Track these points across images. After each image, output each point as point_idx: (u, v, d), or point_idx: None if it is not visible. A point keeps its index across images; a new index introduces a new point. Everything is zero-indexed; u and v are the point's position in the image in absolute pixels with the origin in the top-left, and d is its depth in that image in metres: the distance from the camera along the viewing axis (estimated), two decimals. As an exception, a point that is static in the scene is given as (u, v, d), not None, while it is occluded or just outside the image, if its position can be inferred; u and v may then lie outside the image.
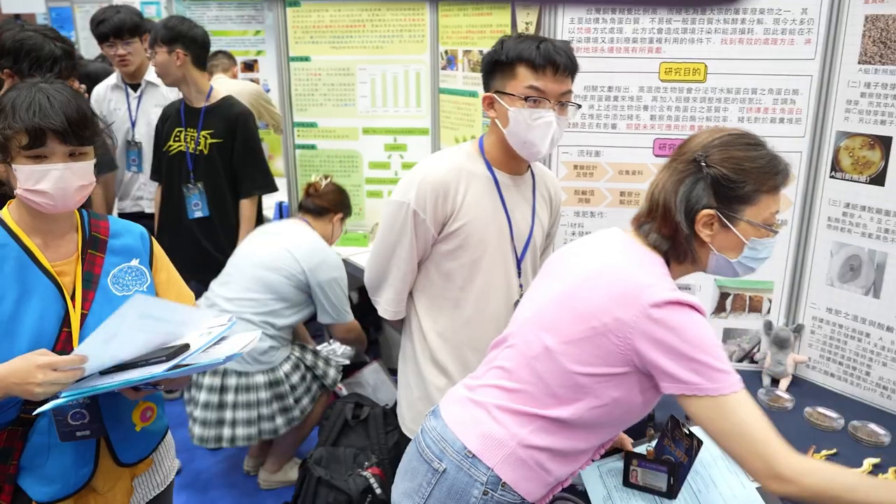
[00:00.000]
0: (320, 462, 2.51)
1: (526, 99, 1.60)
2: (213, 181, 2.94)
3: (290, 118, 3.20)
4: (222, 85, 3.40)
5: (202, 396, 2.57)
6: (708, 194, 1.27)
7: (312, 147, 3.23)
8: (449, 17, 2.79)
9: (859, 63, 1.88)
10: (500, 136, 1.68)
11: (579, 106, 1.68)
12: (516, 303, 1.71)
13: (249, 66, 4.63)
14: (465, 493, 1.33)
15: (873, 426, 1.87)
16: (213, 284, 2.68)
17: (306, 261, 2.58)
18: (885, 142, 1.86)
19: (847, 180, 1.96)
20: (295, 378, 2.66)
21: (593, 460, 1.45)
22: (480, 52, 2.65)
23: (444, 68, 2.88)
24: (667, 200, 1.30)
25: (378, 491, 2.41)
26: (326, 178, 2.86)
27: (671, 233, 1.31)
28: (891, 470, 1.68)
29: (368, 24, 3.01)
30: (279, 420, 2.63)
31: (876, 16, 1.83)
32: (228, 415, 2.58)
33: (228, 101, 2.95)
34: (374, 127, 3.16)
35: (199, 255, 2.97)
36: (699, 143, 1.30)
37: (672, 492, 1.47)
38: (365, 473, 2.46)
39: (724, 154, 1.28)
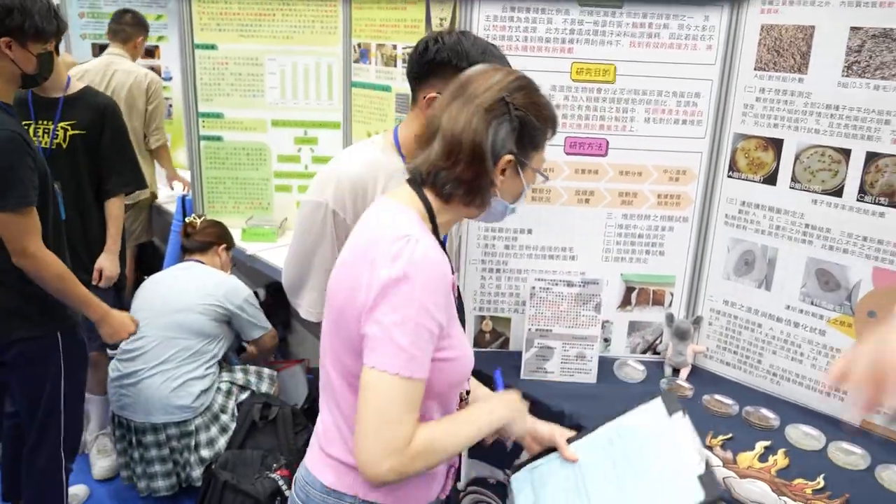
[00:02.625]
0: (226, 466, 2.43)
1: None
2: (73, 179, 2.71)
3: (194, 108, 3.08)
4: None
5: (152, 453, 2.62)
6: (510, 139, 1.22)
7: (218, 139, 3.12)
8: (362, 9, 2.76)
9: (755, 69, 2.00)
10: (419, 128, 1.67)
11: None
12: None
13: (150, 53, 4.42)
14: None
15: (764, 411, 1.99)
16: (122, 350, 2.63)
17: (218, 291, 2.68)
18: (777, 144, 1.99)
19: (743, 180, 2.07)
20: (231, 403, 2.67)
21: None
22: (394, 46, 2.64)
23: (356, 61, 2.85)
24: (476, 143, 1.19)
25: (287, 493, 2.35)
26: (200, 216, 2.95)
27: (471, 177, 1.22)
28: (780, 451, 1.80)
29: (279, 14, 2.93)
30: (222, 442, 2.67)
31: (771, 25, 1.95)
32: (180, 458, 2.65)
33: (91, 91, 2.78)
34: (284, 119, 3.08)
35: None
36: (497, 82, 1.23)
37: (515, 448, 1.41)
38: (273, 475, 2.40)
39: (527, 99, 1.23)
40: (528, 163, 1.27)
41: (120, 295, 2.95)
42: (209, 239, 2.85)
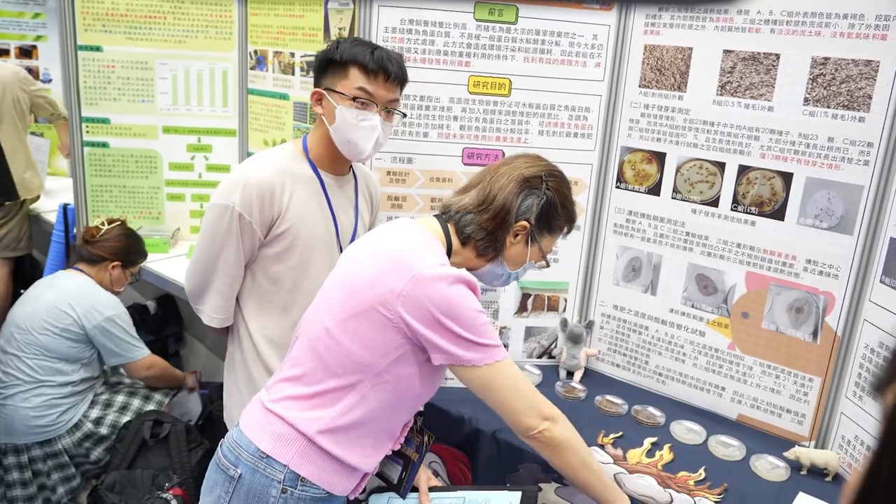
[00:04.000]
0: (113, 488, 2.30)
1: (354, 99, 1.63)
2: None
3: (77, 112, 2.92)
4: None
5: (14, 476, 2.44)
6: (533, 210, 1.42)
7: (104, 145, 2.97)
8: (259, 15, 2.71)
9: (640, 87, 2.12)
10: (326, 133, 1.69)
11: (405, 115, 1.73)
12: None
13: (27, 53, 4.16)
14: (262, 494, 1.32)
15: (651, 409, 2.10)
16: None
17: (76, 309, 2.40)
18: (660, 157, 2.11)
19: (629, 190, 2.19)
20: (108, 420, 2.48)
21: (393, 451, 1.48)
22: (291, 53, 2.61)
23: (252, 68, 2.79)
24: (507, 201, 1.40)
25: (181, 513, 2.26)
26: (112, 222, 2.65)
27: (492, 228, 1.41)
28: (666, 447, 1.90)
29: (170, 17, 2.83)
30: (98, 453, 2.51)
31: (653, 45, 2.07)
32: (48, 480, 2.46)
33: None
34: (176, 126, 2.98)
35: None
36: (542, 165, 1.46)
37: (400, 486, 1.52)
38: (165, 495, 2.29)
39: (558, 186, 1.46)
40: (538, 239, 1.45)
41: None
42: (101, 253, 2.58)
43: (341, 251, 1.75)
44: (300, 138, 1.78)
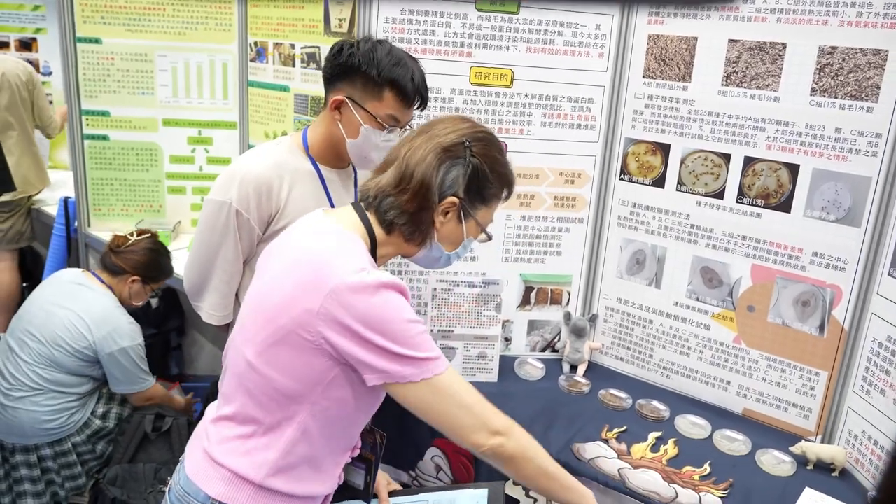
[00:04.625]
0: (115, 482, 2.30)
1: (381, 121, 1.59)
2: None
3: (77, 105, 2.90)
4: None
5: (22, 472, 2.40)
6: (460, 183, 1.24)
7: (104, 138, 2.95)
8: (259, 7, 2.69)
9: (643, 77, 2.09)
10: (331, 133, 1.65)
11: (412, 128, 1.68)
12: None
13: (27, 45, 4.14)
14: None
15: (656, 403, 2.08)
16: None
17: (94, 334, 2.33)
18: (664, 148, 2.09)
19: (633, 182, 2.16)
20: (113, 413, 2.47)
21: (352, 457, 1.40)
22: (292, 45, 2.58)
23: (253, 60, 2.77)
24: (426, 176, 1.22)
25: (184, 506, 2.26)
26: (142, 234, 2.54)
27: (414, 209, 1.24)
28: (670, 441, 1.89)
29: (169, 9, 2.81)
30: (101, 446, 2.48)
31: (657, 35, 2.04)
32: (56, 478, 2.43)
33: None
34: (176, 118, 2.96)
35: None
36: (463, 128, 1.26)
37: (368, 492, 1.46)
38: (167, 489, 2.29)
39: (485, 150, 1.27)
40: (472, 213, 1.28)
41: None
42: (122, 265, 2.47)
43: None
44: (300, 131, 1.75)
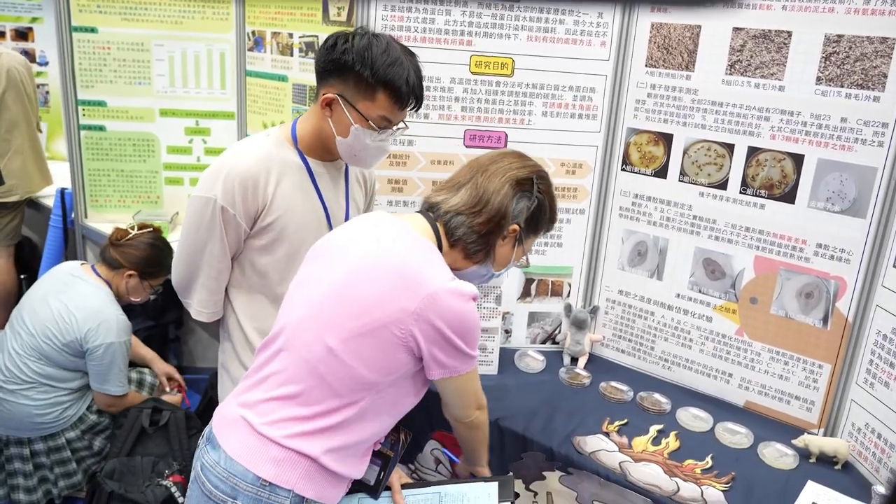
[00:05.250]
0: (112, 475, 2.28)
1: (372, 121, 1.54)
2: None
3: (73, 95, 2.87)
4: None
5: (16, 465, 2.39)
6: (524, 213, 1.40)
7: (101, 128, 2.92)
8: (256, -5, 2.65)
9: (646, 66, 2.06)
10: (321, 128, 1.61)
11: (406, 126, 1.65)
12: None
13: (23, 35, 4.10)
14: None
15: (657, 396, 2.06)
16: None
17: (82, 328, 2.28)
18: (667, 138, 2.06)
19: (635, 173, 2.14)
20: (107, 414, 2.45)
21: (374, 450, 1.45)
22: (290, 34, 2.55)
23: (250, 49, 2.74)
24: (502, 205, 1.37)
25: (180, 500, 2.24)
26: (143, 228, 2.49)
27: (485, 231, 1.38)
28: (672, 434, 1.87)
29: (166, -3, 2.78)
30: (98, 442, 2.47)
31: (660, 24, 2.02)
32: (49, 474, 2.41)
33: None
34: (173, 108, 2.93)
35: None
36: (530, 166, 1.42)
37: (377, 487, 1.46)
38: (165, 482, 2.28)
39: (547, 188, 1.44)
40: (523, 242, 1.43)
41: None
42: (120, 259, 2.42)
43: None
44: (288, 123, 1.70)
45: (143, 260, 2.46)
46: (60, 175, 3.61)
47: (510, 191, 1.38)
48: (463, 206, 1.38)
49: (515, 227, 1.39)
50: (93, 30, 2.81)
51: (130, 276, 2.45)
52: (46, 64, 4.08)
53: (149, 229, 2.51)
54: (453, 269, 1.37)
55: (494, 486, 1.47)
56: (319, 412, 1.28)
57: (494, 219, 1.37)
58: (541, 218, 1.44)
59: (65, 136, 2.99)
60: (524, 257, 1.47)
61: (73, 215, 3.09)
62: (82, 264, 2.50)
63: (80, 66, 2.84)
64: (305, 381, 1.29)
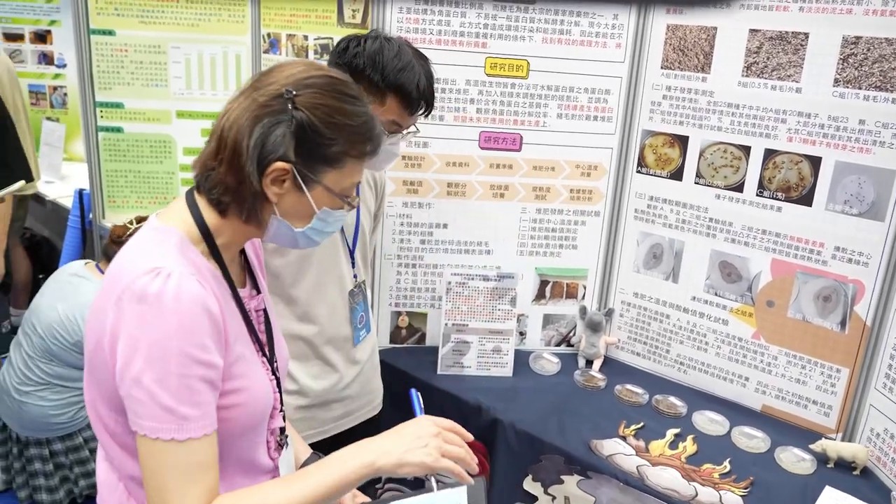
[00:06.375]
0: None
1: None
2: None
3: (91, 97, 2.90)
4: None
5: (36, 466, 2.42)
6: (288, 143, 0.98)
7: (118, 130, 2.95)
8: (272, -2, 2.67)
9: (662, 68, 2.05)
10: None
11: (417, 130, 1.63)
12: (351, 292, 1.68)
13: (42, 38, 4.15)
14: None
15: (673, 399, 2.05)
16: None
17: (84, 324, 2.31)
18: (682, 140, 2.05)
19: (651, 175, 2.13)
20: None
21: None
22: (305, 36, 2.56)
23: (266, 52, 2.75)
24: (237, 139, 0.98)
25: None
26: (141, 220, 2.48)
27: (233, 182, 1.00)
28: (689, 438, 1.86)
29: (182, 1, 2.80)
30: None
31: (676, 25, 2.01)
32: (70, 473, 2.45)
33: None
34: (190, 110, 2.95)
35: None
36: (289, 76, 1.01)
37: None
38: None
39: (317, 99, 0.99)
40: (315, 179, 1.01)
41: (6, 296, 2.72)
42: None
43: (347, 242, 1.69)
44: None
45: None
46: (78, 176, 3.66)
47: (247, 120, 0.98)
48: (208, 158, 1.02)
49: (281, 165, 0.98)
50: (110, 32, 2.83)
51: None
52: (65, 66, 4.12)
53: (142, 222, 2.53)
54: (258, 239, 1.14)
55: (463, 490, 1.33)
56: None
57: (233, 161, 0.98)
58: (320, 143, 0.99)
59: (83, 138, 3.02)
60: (338, 200, 1.05)
61: (90, 216, 3.12)
62: (86, 263, 2.53)
63: (97, 69, 2.87)
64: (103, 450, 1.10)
